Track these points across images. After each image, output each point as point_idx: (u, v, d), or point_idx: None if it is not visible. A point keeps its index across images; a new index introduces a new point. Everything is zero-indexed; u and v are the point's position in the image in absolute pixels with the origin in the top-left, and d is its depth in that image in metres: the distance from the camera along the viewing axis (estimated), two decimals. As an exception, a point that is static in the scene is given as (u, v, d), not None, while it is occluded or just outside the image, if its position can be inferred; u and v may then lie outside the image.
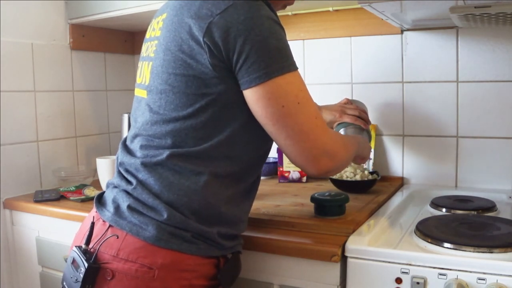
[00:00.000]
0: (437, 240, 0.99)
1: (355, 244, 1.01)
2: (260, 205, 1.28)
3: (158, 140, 0.93)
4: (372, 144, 1.58)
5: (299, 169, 1.60)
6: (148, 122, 0.95)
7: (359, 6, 1.23)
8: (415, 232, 1.07)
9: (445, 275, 0.91)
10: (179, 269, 0.88)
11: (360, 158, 1.22)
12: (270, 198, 1.38)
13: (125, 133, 1.77)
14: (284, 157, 1.61)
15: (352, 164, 1.43)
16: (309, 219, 1.15)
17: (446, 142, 1.54)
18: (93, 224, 0.93)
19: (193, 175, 0.91)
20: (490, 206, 1.26)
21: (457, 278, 0.90)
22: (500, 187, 1.46)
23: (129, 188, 0.93)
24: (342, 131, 1.30)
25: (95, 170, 1.61)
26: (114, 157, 1.33)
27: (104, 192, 1.03)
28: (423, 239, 1.02)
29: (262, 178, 1.64)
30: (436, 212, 1.27)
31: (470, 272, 0.89)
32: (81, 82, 1.84)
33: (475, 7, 1.06)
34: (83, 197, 1.49)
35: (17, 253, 1.58)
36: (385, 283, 0.97)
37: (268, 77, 0.86)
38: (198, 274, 0.91)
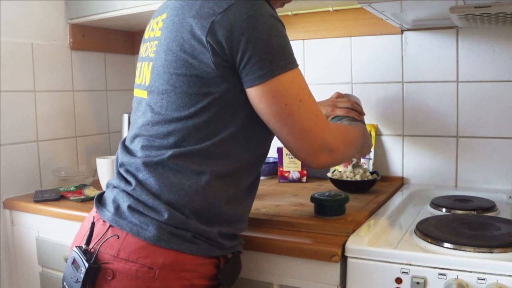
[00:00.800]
0: (437, 240, 0.99)
1: (355, 244, 1.01)
2: (260, 205, 1.28)
3: (159, 141, 0.93)
4: (372, 144, 1.58)
5: (299, 169, 1.61)
6: (149, 123, 0.95)
7: (359, 6, 1.23)
8: (415, 232, 1.07)
9: (445, 275, 0.91)
10: (180, 269, 0.88)
11: (362, 152, 1.23)
12: (270, 198, 1.38)
13: (125, 133, 1.76)
14: (284, 157, 1.61)
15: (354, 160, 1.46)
16: (309, 219, 1.15)
17: (446, 142, 1.54)
18: (93, 224, 0.93)
19: (194, 175, 0.91)
20: (490, 206, 1.26)
21: (457, 278, 0.90)
22: (500, 187, 1.46)
23: (128, 188, 0.93)
24: None
25: (95, 170, 1.61)
26: (114, 157, 1.33)
27: (104, 192, 1.03)
28: (423, 239, 1.02)
29: (262, 178, 1.64)
30: (436, 212, 1.27)
31: (470, 272, 0.89)
32: (81, 82, 1.84)
33: (475, 7, 1.06)
34: (83, 197, 1.50)
35: (17, 253, 1.58)
36: (385, 283, 0.97)
37: (271, 75, 0.87)
38: (199, 274, 0.91)
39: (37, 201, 1.49)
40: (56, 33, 1.74)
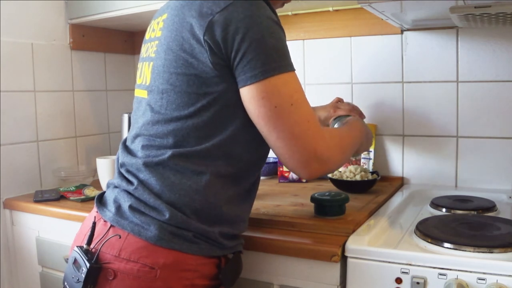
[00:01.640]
0: (437, 240, 0.99)
1: (355, 244, 1.01)
2: (260, 205, 1.28)
3: (159, 140, 0.93)
4: (372, 144, 1.58)
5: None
6: (149, 122, 0.95)
7: (359, 6, 1.23)
8: (415, 232, 1.07)
9: (445, 275, 0.91)
10: (181, 269, 0.89)
11: (363, 148, 1.22)
12: (270, 198, 1.38)
13: (125, 133, 1.76)
14: (284, 157, 1.61)
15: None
16: (309, 219, 1.15)
17: (446, 142, 1.54)
18: (94, 224, 0.93)
19: (194, 175, 0.91)
20: (490, 206, 1.26)
21: (457, 278, 0.90)
22: (500, 187, 1.46)
23: (130, 188, 0.93)
24: (337, 126, 1.31)
25: (95, 170, 1.61)
26: (114, 157, 1.33)
27: (104, 192, 1.03)
28: (423, 239, 1.02)
29: (262, 178, 1.64)
30: (436, 212, 1.27)
31: (470, 272, 0.89)
32: (81, 82, 1.84)
33: (475, 7, 1.06)
34: (83, 197, 1.50)
35: (17, 253, 1.58)
36: (385, 283, 0.97)
37: (263, 76, 0.86)
38: (200, 274, 0.91)
39: (37, 201, 1.49)
40: (56, 33, 1.74)
